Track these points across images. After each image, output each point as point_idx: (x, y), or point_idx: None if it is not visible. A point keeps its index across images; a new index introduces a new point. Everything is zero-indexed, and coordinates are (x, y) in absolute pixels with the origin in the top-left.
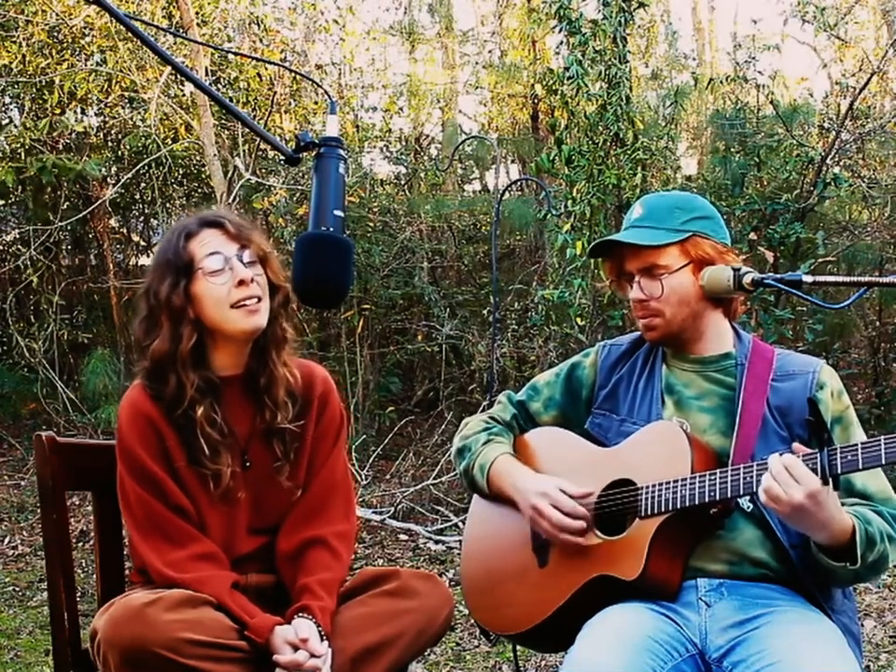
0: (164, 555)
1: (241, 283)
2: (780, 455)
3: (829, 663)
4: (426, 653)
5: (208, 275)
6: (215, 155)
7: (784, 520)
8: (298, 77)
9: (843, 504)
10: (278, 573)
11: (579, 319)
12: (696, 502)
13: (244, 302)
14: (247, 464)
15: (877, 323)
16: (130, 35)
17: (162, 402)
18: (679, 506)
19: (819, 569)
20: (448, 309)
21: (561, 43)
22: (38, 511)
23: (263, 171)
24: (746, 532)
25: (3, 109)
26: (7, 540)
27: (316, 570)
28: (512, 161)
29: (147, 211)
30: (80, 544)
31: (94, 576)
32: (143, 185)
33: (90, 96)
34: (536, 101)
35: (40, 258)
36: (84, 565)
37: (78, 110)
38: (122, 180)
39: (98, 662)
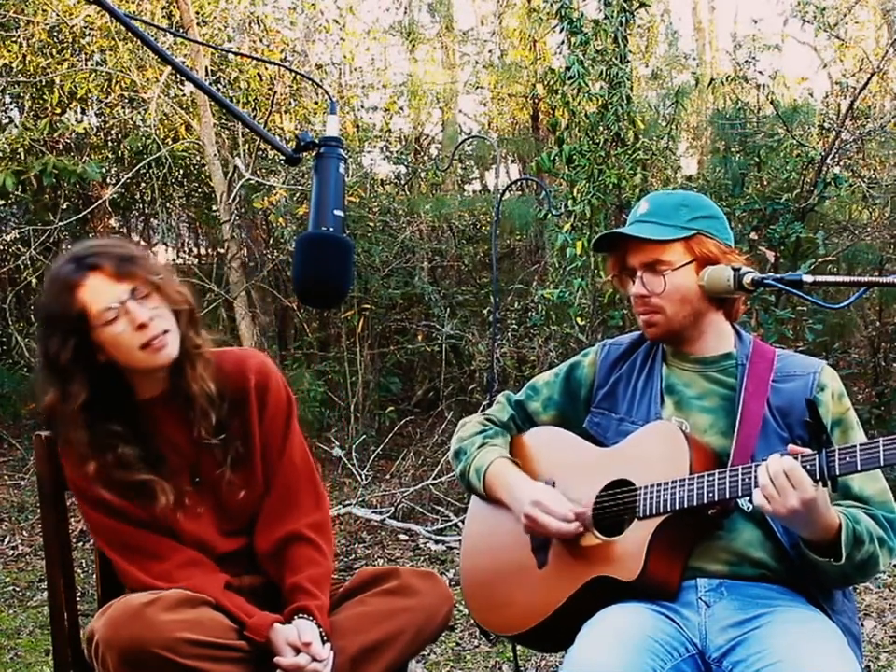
0: (150, 570)
1: (141, 326)
2: (781, 456)
3: (829, 663)
4: (426, 653)
5: (105, 326)
6: (215, 155)
7: (771, 518)
8: (298, 76)
9: (838, 505)
10: (264, 572)
11: (579, 319)
12: (695, 503)
13: (149, 343)
14: (197, 479)
15: (877, 323)
16: (130, 34)
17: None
18: (677, 507)
19: (810, 566)
20: (448, 309)
21: (562, 43)
22: (38, 510)
23: (263, 171)
24: (746, 532)
25: (3, 109)
26: (7, 540)
27: (303, 567)
28: (512, 161)
29: (147, 211)
30: (80, 544)
31: (94, 576)
32: (143, 185)
33: (90, 96)
34: (536, 101)
35: (40, 258)
36: (84, 565)
37: (78, 110)
38: (122, 180)
39: (95, 663)
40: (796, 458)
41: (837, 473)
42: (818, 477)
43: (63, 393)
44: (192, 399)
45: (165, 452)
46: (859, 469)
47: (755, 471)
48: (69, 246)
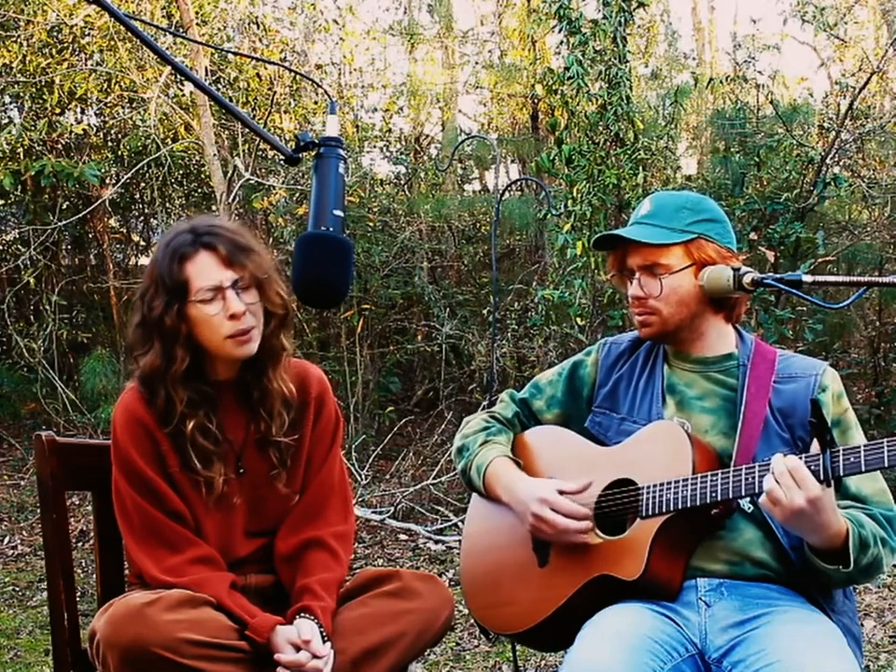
0: (161, 562)
1: (232, 316)
2: (784, 456)
3: (829, 662)
4: (425, 653)
5: (201, 303)
6: (214, 155)
7: (781, 523)
8: (298, 76)
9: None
10: (277, 574)
11: (579, 319)
12: (697, 503)
13: (235, 335)
14: (241, 470)
15: (877, 323)
16: (130, 34)
17: (155, 411)
18: (680, 507)
19: (815, 572)
20: (448, 309)
21: (561, 43)
22: (38, 510)
23: (263, 171)
24: (746, 533)
25: (3, 109)
26: (7, 540)
27: (316, 571)
28: (512, 161)
29: (146, 211)
30: (80, 544)
31: (94, 576)
32: (143, 185)
33: (89, 96)
34: (536, 101)
35: (39, 257)
36: (84, 565)
37: (78, 110)
38: (122, 180)
39: (97, 662)
40: (800, 457)
41: (841, 473)
42: (822, 477)
43: (167, 354)
44: (267, 397)
45: (221, 436)
46: (863, 469)
47: (758, 471)
48: (69, 247)
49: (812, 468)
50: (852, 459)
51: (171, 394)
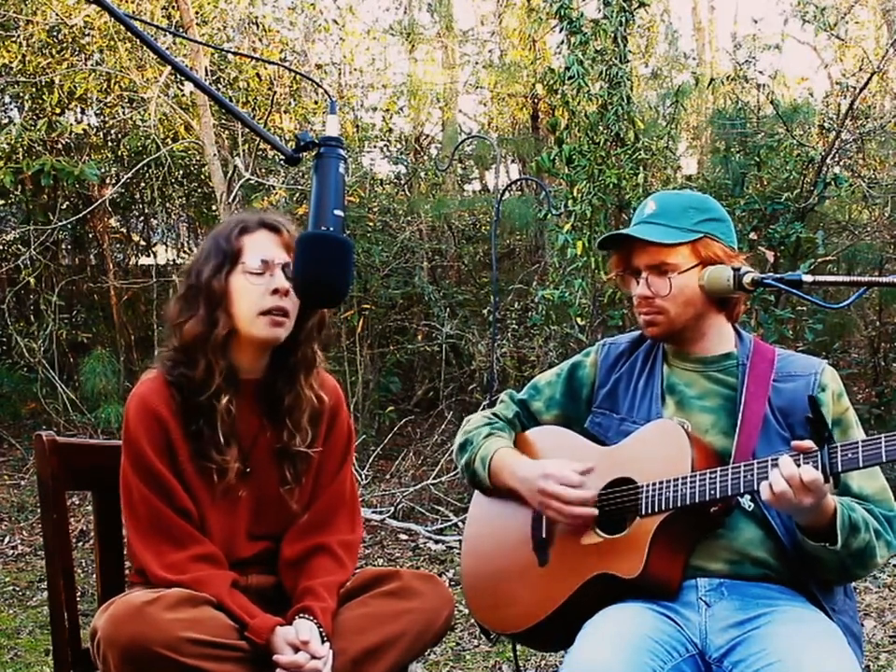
0: (163, 558)
1: (275, 291)
2: (796, 462)
3: (829, 662)
4: (426, 653)
5: (248, 273)
6: (215, 155)
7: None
8: (298, 76)
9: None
10: (280, 577)
11: (579, 319)
12: (697, 501)
13: (271, 312)
14: (247, 470)
15: (877, 323)
16: (129, 34)
17: (184, 388)
18: (679, 504)
19: (809, 557)
20: (448, 309)
21: (562, 42)
22: (38, 510)
23: (263, 171)
24: (747, 532)
25: (3, 109)
26: (6, 540)
27: (319, 574)
28: (512, 161)
29: (146, 211)
30: (80, 544)
31: (94, 576)
32: (143, 185)
33: (89, 96)
34: (536, 100)
35: (39, 257)
36: (84, 565)
37: (78, 110)
38: (122, 180)
39: (98, 661)
40: (798, 457)
41: (840, 469)
42: (820, 473)
43: (210, 319)
44: (298, 406)
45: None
46: (861, 465)
47: (756, 469)
48: (69, 246)
49: (811, 464)
50: (850, 455)
51: (211, 363)
